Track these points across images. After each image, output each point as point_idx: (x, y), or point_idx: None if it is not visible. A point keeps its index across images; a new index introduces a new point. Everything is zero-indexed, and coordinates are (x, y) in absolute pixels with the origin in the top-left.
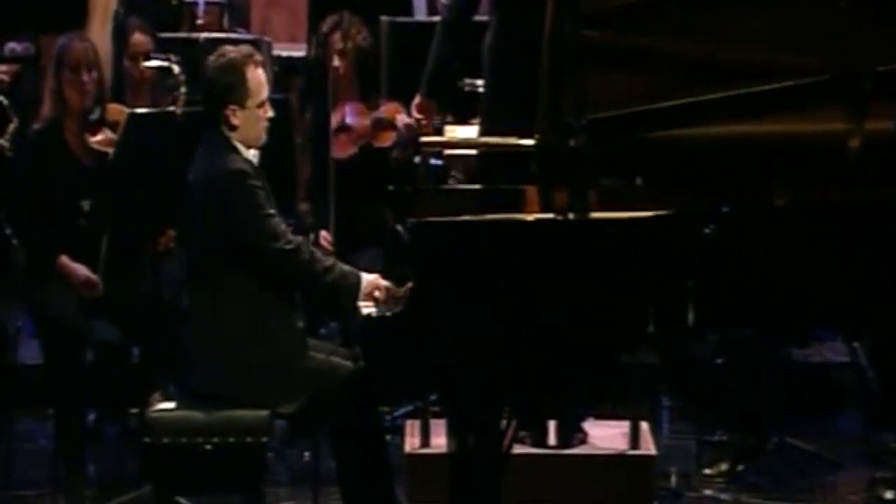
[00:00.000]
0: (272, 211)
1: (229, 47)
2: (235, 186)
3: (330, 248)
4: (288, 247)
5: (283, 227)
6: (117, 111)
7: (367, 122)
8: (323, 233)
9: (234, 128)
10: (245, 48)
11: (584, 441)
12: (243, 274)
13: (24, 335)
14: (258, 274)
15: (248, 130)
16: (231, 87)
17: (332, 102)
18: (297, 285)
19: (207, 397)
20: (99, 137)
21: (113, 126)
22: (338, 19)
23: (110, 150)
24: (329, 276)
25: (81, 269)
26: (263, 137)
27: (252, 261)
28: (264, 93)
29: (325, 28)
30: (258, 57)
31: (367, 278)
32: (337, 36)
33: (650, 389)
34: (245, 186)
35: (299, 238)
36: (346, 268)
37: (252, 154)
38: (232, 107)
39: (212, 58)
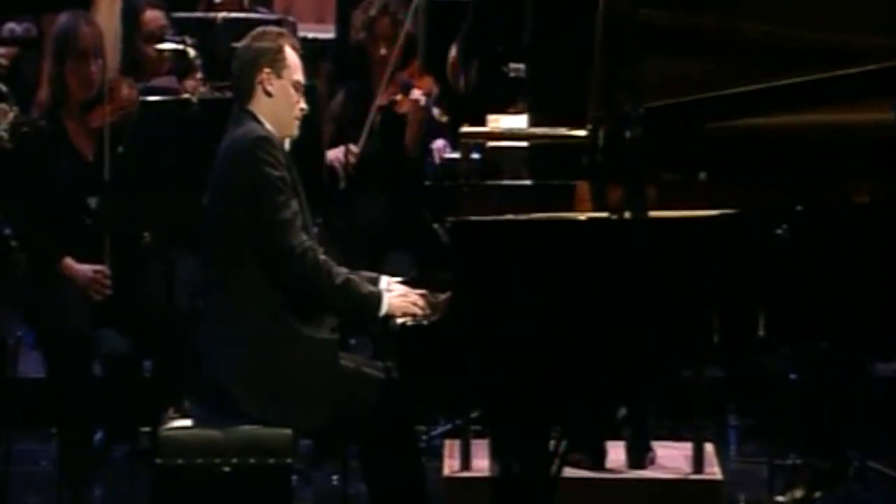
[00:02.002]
0: (289, 201)
1: None
2: (254, 154)
3: (355, 156)
4: (294, 249)
5: (297, 222)
6: (118, 82)
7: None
8: (351, 146)
9: (269, 94)
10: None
11: (654, 461)
12: (265, 270)
13: (24, 346)
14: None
15: (282, 108)
16: (268, 51)
17: (375, 90)
18: (304, 293)
19: (224, 410)
20: (98, 115)
21: (110, 95)
22: (385, 1)
23: (112, 118)
24: (341, 294)
25: (87, 270)
26: (295, 129)
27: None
28: (299, 74)
29: (372, 11)
30: (294, 41)
31: (392, 298)
32: (386, 21)
33: (716, 407)
34: (265, 155)
35: (310, 244)
36: (365, 288)
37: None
38: (266, 71)
39: (244, 38)
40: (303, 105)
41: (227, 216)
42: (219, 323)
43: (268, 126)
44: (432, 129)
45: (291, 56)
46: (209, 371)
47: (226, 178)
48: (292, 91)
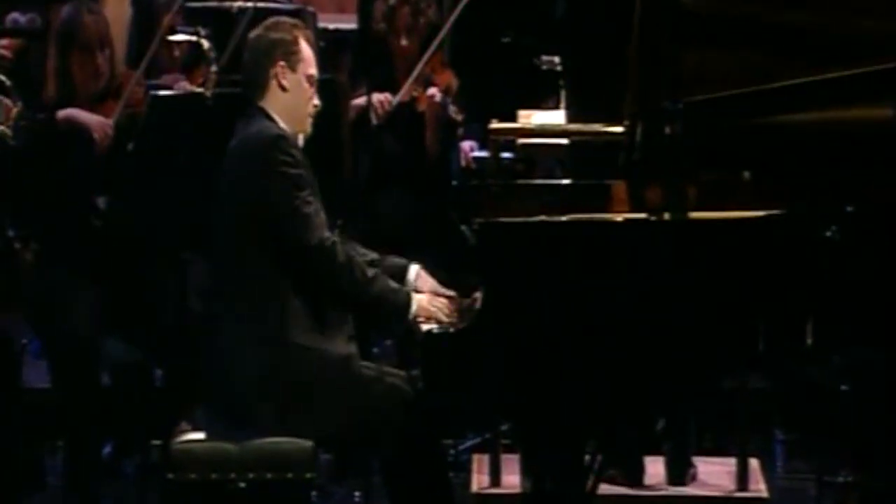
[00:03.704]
0: (310, 198)
1: None
2: (272, 153)
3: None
4: (323, 242)
5: (321, 217)
6: (128, 77)
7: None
8: (387, 95)
9: (283, 89)
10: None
11: (695, 477)
12: (279, 273)
13: (29, 354)
14: (295, 273)
15: (296, 104)
16: (283, 43)
17: (398, 82)
18: (332, 292)
19: (239, 421)
20: (107, 111)
21: (118, 91)
22: None
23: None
24: (371, 289)
25: (93, 116)
26: (308, 126)
27: (284, 256)
28: (313, 67)
29: (391, 0)
30: (308, 32)
31: (420, 299)
32: (406, 11)
33: (761, 420)
34: (283, 155)
35: (338, 238)
36: (395, 284)
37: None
38: (281, 63)
39: (256, 28)
40: (316, 101)
41: (244, 220)
42: (233, 332)
43: (281, 123)
44: (454, 128)
45: (306, 48)
46: (223, 381)
47: (241, 180)
48: (306, 85)
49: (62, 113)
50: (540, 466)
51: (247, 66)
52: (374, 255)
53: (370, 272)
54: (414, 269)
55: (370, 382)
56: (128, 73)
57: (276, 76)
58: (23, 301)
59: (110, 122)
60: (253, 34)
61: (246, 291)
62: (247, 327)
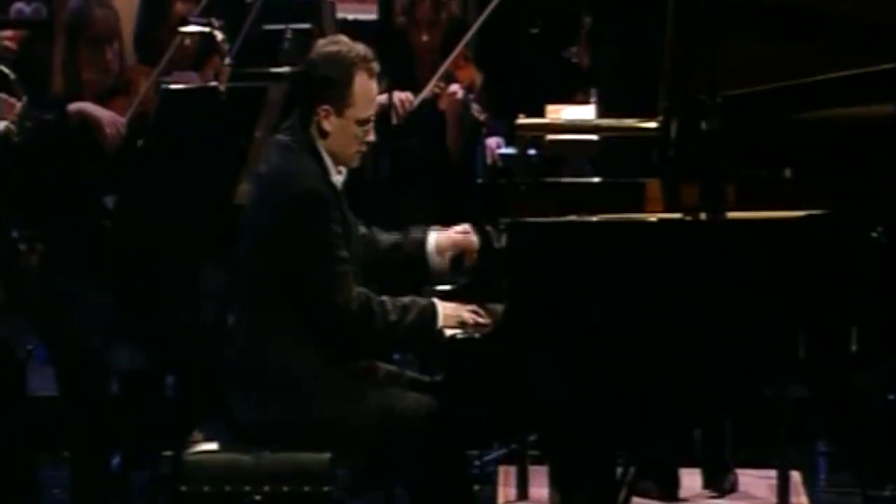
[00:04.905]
0: (344, 254)
1: (344, 38)
2: (306, 212)
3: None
4: (349, 305)
5: (351, 277)
6: (137, 72)
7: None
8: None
9: (324, 134)
10: (364, 49)
11: (735, 485)
12: (296, 296)
13: (35, 361)
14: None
15: (340, 146)
16: (331, 84)
17: (420, 78)
18: (368, 344)
19: (254, 438)
20: (116, 107)
21: (126, 87)
22: None
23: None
24: (396, 333)
25: (105, 111)
26: (355, 162)
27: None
28: (370, 110)
29: None
30: (375, 66)
31: (446, 307)
32: (428, 4)
33: (803, 431)
34: (318, 216)
35: (364, 290)
36: (417, 309)
37: (338, 175)
38: (325, 108)
39: (322, 41)
40: (370, 138)
41: (263, 250)
42: (243, 347)
43: (326, 160)
44: (478, 126)
45: (362, 89)
46: (233, 398)
47: (267, 226)
48: (355, 129)
49: (73, 106)
50: (569, 478)
51: (296, 83)
52: (396, 237)
53: (393, 315)
54: (432, 241)
55: (390, 399)
56: (137, 68)
57: (317, 115)
58: (27, 305)
59: (123, 119)
60: (314, 52)
61: (262, 306)
62: (256, 352)
